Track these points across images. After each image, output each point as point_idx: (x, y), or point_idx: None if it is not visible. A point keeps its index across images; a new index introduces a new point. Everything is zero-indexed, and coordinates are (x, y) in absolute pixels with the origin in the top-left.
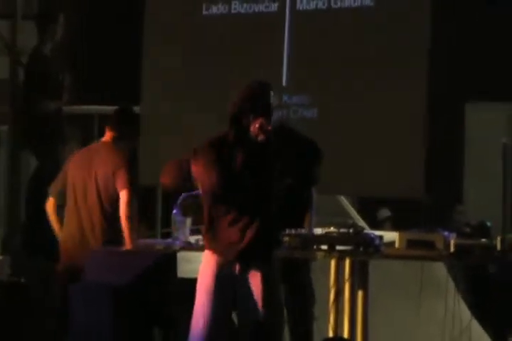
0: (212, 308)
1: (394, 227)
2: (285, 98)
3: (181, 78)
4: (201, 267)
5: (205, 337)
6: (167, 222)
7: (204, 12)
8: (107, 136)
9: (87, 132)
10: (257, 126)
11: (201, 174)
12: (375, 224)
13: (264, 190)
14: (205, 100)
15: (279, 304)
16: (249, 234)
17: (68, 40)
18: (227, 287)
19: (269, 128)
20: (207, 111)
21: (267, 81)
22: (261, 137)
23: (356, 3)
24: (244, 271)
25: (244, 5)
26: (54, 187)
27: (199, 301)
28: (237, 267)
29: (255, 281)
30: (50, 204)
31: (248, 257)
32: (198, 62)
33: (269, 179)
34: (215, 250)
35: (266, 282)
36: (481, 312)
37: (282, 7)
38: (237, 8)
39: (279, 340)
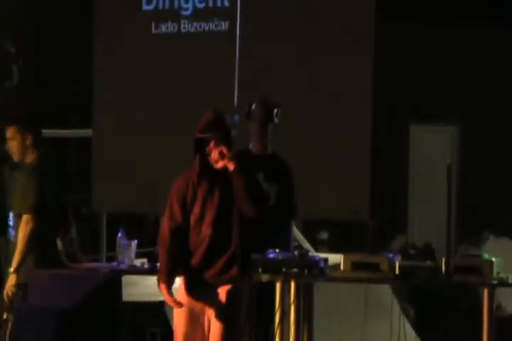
0: (186, 329)
1: (330, 250)
2: (235, 118)
3: (133, 100)
4: (178, 287)
5: None
6: (112, 245)
7: (153, 31)
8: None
9: None
10: (216, 153)
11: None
12: (312, 246)
13: (228, 219)
14: (157, 124)
15: (237, 331)
16: (219, 262)
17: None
18: (199, 305)
19: (229, 155)
20: (160, 135)
21: (221, 110)
22: (220, 164)
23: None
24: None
25: (194, 24)
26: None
27: (178, 323)
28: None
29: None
30: None
31: (217, 282)
32: (149, 83)
33: (232, 205)
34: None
35: (227, 306)
36: (425, 331)
37: (233, 26)
38: (186, 27)
39: None
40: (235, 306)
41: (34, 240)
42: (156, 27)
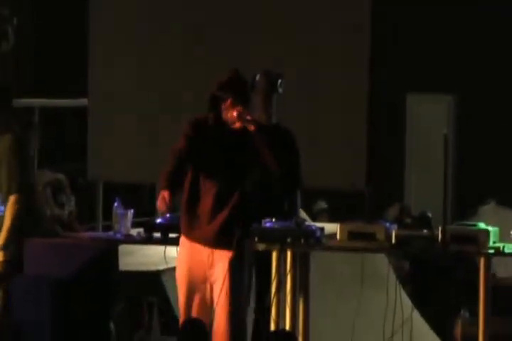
0: (187, 295)
1: (330, 220)
2: None
3: (130, 71)
4: (178, 254)
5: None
6: (108, 214)
7: None
8: None
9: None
10: (234, 114)
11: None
12: (312, 216)
13: (237, 176)
14: (155, 95)
15: (243, 294)
16: (220, 218)
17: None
18: (200, 273)
19: (249, 117)
20: (157, 107)
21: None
22: (237, 125)
23: None
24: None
25: None
26: None
27: (179, 290)
28: (208, 252)
29: (223, 267)
30: None
31: (217, 242)
32: (147, 52)
33: (244, 165)
34: (186, 234)
35: (232, 270)
36: (421, 299)
37: None
38: None
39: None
40: (238, 271)
41: (22, 218)
42: None
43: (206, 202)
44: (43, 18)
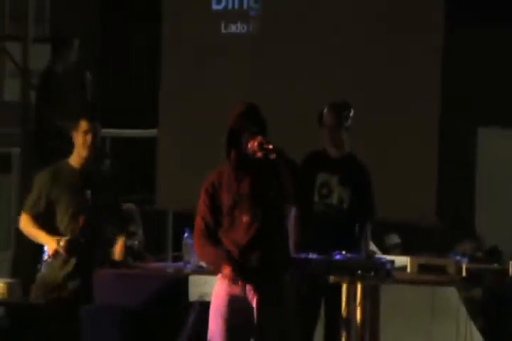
0: (225, 329)
1: (403, 253)
2: None
3: (200, 101)
4: (214, 289)
5: None
6: (178, 245)
7: (223, 31)
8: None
9: None
10: (255, 143)
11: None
12: (384, 250)
13: (268, 208)
14: (224, 125)
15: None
16: (254, 252)
17: (83, 63)
18: (237, 307)
19: (270, 146)
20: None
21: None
22: (258, 154)
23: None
24: (254, 292)
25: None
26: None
27: (212, 322)
28: (245, 287)
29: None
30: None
31: (254, 276)
32: (217, 84)
33: (271, 196)
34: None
35: (269, 304)
36: (493, 336)
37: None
38: (256, 27)
39: None
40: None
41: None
42: (226, 27)
43: (238, 238)
44: (118, 50)
